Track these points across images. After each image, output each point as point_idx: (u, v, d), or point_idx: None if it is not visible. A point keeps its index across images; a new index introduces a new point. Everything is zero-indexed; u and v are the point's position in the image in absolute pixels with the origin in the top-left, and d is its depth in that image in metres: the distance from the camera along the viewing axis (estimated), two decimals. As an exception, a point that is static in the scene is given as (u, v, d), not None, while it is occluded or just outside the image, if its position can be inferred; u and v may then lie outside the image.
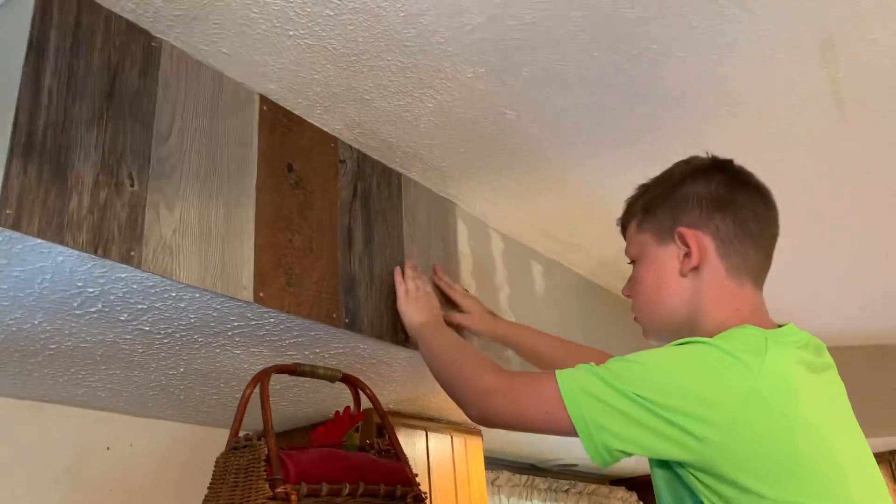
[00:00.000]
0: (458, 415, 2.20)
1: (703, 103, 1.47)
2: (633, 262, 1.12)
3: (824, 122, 1.56)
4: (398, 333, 1.50)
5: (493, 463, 2.95)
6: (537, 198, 1.81)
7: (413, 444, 2.04)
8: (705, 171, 1.06)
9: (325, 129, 1.47)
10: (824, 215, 1.97)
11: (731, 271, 1.01)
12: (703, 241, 1.02)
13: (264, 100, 1.36)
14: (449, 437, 2.19)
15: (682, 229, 1.03)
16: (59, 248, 0.98)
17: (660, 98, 1.45)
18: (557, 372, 0.95)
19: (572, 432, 0.91)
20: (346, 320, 1.39)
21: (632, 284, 1.12)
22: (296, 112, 1.41)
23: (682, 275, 1.02)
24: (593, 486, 3.60)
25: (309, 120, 1.44)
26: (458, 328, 1.55)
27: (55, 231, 0.97)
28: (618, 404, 0.88)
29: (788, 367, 0.89)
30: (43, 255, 1.00)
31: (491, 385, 1.02)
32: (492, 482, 2.90)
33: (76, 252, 1.00)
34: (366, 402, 1.46)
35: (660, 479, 0.95)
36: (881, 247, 2.20)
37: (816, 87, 1.44)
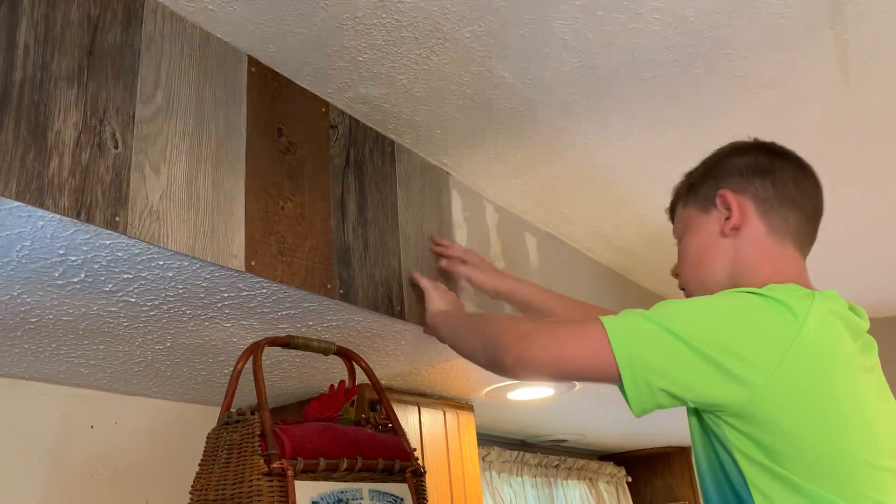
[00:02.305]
0: (451, 390, 2.17)
1: (705, 67, 1.43)
2: (679, 241, 1.13)
3: (828, 89, 1.53)
4: (393, 305, 1.45)
5: (484, 439, 2.93)
6: (532, 167, 1.76)
7: (405, 420, 2.00)
8: (747, 148, 1.09)
9: (316, 93, 1.41)
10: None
11: (771, 231, 1.02)
12: (744, 203, 1.03)
13: (252, 61, 1.30)
14: (441, 412, 2.16)
15: (724, 192, 1.04)
16: (40, 211, 0.92)
17: (661, 61, 1.40)
18: (602, 317, 0.93)
19: (615, 374, 0.89)
20: (341, 291, 1.34)
21: (679, 260, 1.13)
22: (285, 74, 1.35)
23: (724, 235, 1.04)
24: (583, 462, 3.60)
25: (299, 83, 1.38)
26: (462, 281, 1.52)
27: (35, 194, 0.91)
28: (664, 342, 0.87)
29: (833, 322, 0.89)
30: (21, 220, 0.94)
31: (531, 329, 0.98)
32: (482, 458, 2.88)
33: (58, 216, 0.94)
34: (360, 378, 1.42)
35: (695, 430, 0.95)
36: (869, 218, 2.19)
37: (822, 51, 1.41)
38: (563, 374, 0.96)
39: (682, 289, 1.12)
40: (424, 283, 1.45)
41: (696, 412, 0.94)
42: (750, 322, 0.88)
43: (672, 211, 1.16)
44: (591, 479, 3.67)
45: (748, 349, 0.85)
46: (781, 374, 0.84)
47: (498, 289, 1.53)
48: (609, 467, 3.81)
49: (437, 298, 1.40)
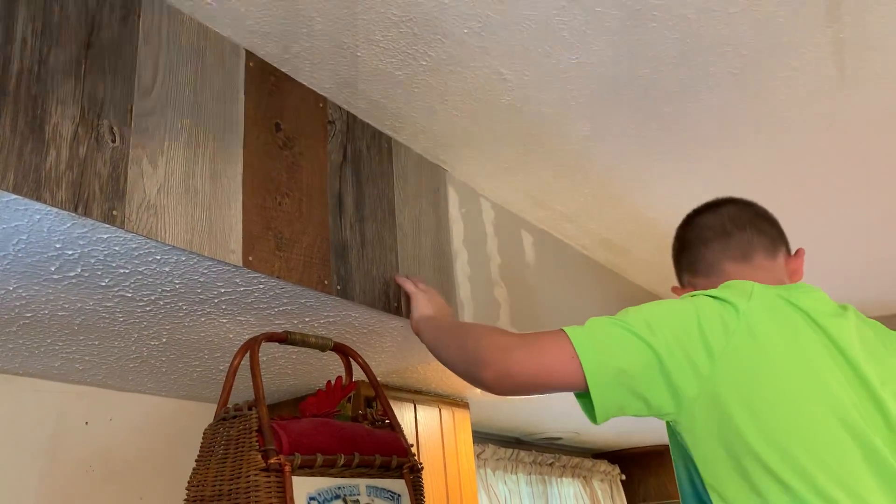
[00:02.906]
0: (446, 387, 2.17)
1: (702, 64, 1.43)
2: None
3: (826, 86, 1.53)
4: (390, 301, 1.45)
5: (479, 437, 2.93)
6: (529, 164, 1.76)
7: (401, 417, 2.00)
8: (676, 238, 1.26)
9: (314, 89, 1.41)
10: (817, 182, 1.95)
11: (708, 274, 1.15)
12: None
13: (250, 55, 1.29)
14: (437, 409, 2.16)
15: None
16: (37, 205, 0.92)
17: (659, 59, 1.40)
18: (564, 328, 0.98)
19: (582, 381, 0.93)
20: (338, 287, 1.34)
21: None
22: (283, 69, 1.35)
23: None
24: (577, 460, 3.61)
25: (297, 78, 1.37)
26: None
27: (32, 186, 0.91)
28: (622, 340, 0.93)
29: (775, 308, 0.95)
30: (18, 213, 0.94)
31: (510, 342, 1.01)
32: (477, 456, 2.88)
33: (55, 210, 0.93)
34: (356, 375, 1.42)
35: (672, 442, 1.02)
36: (868, 217, 2.19)
37: (819, 50, 1.41)
38: (542, 383, 0.98)
39: None
40: (408, 286, 1.42)
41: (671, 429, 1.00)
42: (698, 316, 0.95)
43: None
44: (585, 477, 3.68)
45: (697, 338, 0.92)
46: (729, 361, 0.90)
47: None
48: (603, 465, 3.82)
49: (421, 303, 1.35)
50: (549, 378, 0.96)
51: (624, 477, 3.96)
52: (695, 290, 1.14)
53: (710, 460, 0.90)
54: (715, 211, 1.20)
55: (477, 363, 1.03)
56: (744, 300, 0.95)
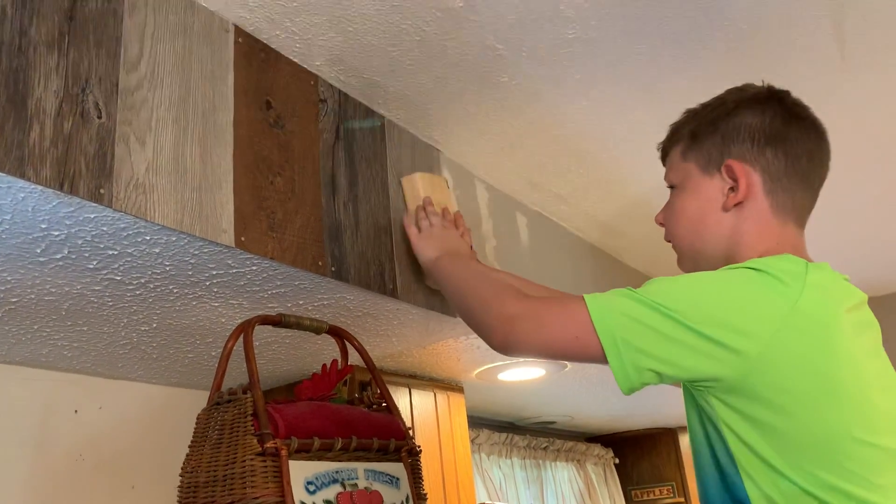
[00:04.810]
0: (441, 371, 2.14)
1: (702, 40, 1.40)
2: (671, 187, 1.08)
3: (826, 63, 1.51)
4: (385, 283, 1.42)
5: (473, 422, 2.91)
6: (524, 143, 1.74)
7: (396, 402, 1.97)
8: (760, 101, 1.01)
9: (304, 66, 1.37)
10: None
11: (776, 209, 0.98)
12: (752, 177, 0.98)
13: (239, 31, 1.25)
14: (432, 393, 2.14)
15: (732, 162, 0.98)
16: (21, 182, 0.88)
17: (658, 34, 1.38)
18: (586, 296, 0.90)
19: (601, 356, 0.87)
20: (333, 268, 1.31)
21: (669, 211, 1.08)
22: (273, 46, 1.31)
23: (725, 209, 0.99)
24: (571, 444, 3.60)
25: (287, 55, 1.34)
26: None
27: (15, 163, 0.87)
28: (650, 321, 0.85)
29: (828, 294, 0.86)
30: (2, 192, 0.90)
31: (516, 311, 0.95)
32: (472, 441, 2.87)
33: (39, 188, 0.90)
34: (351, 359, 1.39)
35: (690, 410, 0.93)
36: (866, 197, 2.18)
37: (819, 26, 1.39)
38: (551, 355, 0.95)
39: (669, 241, 1.09)
40: (409, 231, 1.38)
41: (688, 392, 0.92)
42: (744, 294, 0.85)
43: (666, 151, 1.10)
44: (579, 461, 3.68)
45: (742, 320, 0.83)
46: (777, 345, 0.81)
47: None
48: (597, 449, 3.82)
49: (423, 247, 1.33)
50: (558, 352, 0.92)
51: (617, 460, 3.96)
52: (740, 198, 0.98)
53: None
54: (825, 141, 1.01)
55: (484, 326, 1.00)
56: (798, 281, 0.85)
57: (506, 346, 0.96)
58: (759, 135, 0.98)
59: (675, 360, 0.84)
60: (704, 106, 1.06)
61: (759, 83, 1.05)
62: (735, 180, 0.98)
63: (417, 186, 1.53)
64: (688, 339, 0.83)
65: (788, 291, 0.83)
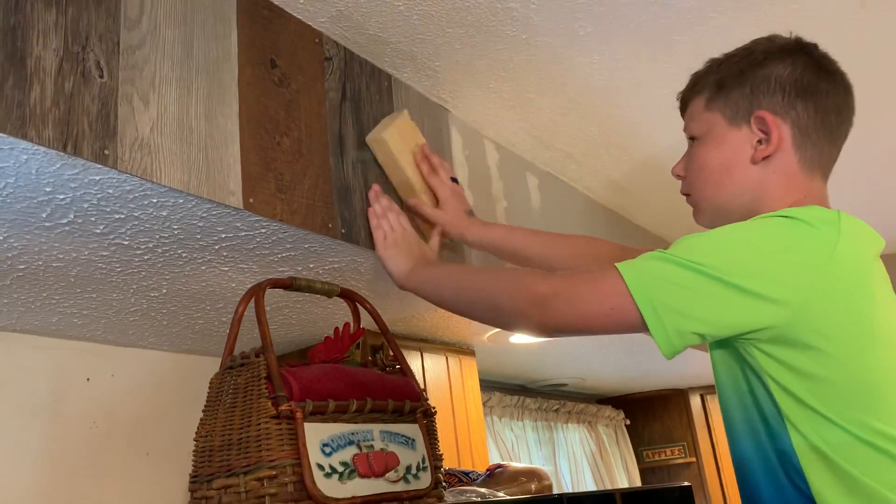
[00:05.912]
0: (452, 334, 2.13)
1: (719, -13, 1.36)
2: (692, 138, 1.04)
3: (846, 10, 1.47)
4: (396, 245, 1.40)
5: (485, 385, 2.92)
6: (534, 101, 1.70)
7: (408, 366, 1.97)
8: (790, 53, 0.98)
9: (309, 23, 1.34)
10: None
11: (803, 163, 0.96)
12: (782, 129, 0.95)
13: (242, -13, 1.22)
14: (444, 357, 2.13)
15: (763, 113, 0.96)
16: (23, 143, 0.86)
17: (672, -19, 1.33)
18: (618, 264, 0.87)
19: (641, 325, 0.85)
20: (343, 230, 1.29)
21: (689, 163, 1.04)
22: (276, 2, 1.28)
23: (754, 162, 0.96)
24: (582, 406, 3.61)
25: (291, 12, 1.30)
26: (423, 221, 1.38)
27: (16, 124, 0.85)
28: (687, 281, 0.83)
29: (861, 240, 0.86)
30: (4, 154, 0.88)
31: (546, 291, 0.91)
32: (484, 403, 2.87)
33: (42, 149, 0.88)
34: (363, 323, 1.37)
35: (718, 363, 0.91)
36: (878, 149, 2.14)
37: (839, -35, 1.34)
38: (588, 331, 0.91)
39: (686, 194, 1.05)
40: (378, 236, 1.28)
41: (721, 347, 0.90)
42: (781, 243, 0.84)
43: (686, 101, 1.06)
44: (590, 423, 3.69)
45: (781, 270, 0.81)
46: (819, 293, 0.80)
47: (465, 238, 1.37)
48: (608, 410, 3.83)
49: (393, 256, 1.23)
50: (596, 326, 0.88)
51: (629, 422, 3.98)
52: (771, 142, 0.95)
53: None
54: (851, 95, 0.99)
55: (514, 314, 0.96)
56: (833, 229, 0.84)
57: (544, 327, 0.93)
58: (790, 87, 0.95)
59: (716, 318, 0.83)
60: (730, 55, 1.02)
61: (785, 34, 1.02)
62: (766, 133, 0.96)
63: (389, 149, 1.38)
64: (727, 294, 0.81)
65: (826, 238, 0.82)
